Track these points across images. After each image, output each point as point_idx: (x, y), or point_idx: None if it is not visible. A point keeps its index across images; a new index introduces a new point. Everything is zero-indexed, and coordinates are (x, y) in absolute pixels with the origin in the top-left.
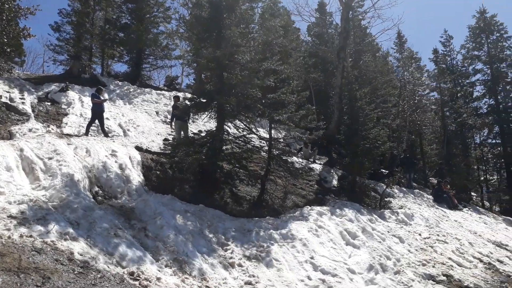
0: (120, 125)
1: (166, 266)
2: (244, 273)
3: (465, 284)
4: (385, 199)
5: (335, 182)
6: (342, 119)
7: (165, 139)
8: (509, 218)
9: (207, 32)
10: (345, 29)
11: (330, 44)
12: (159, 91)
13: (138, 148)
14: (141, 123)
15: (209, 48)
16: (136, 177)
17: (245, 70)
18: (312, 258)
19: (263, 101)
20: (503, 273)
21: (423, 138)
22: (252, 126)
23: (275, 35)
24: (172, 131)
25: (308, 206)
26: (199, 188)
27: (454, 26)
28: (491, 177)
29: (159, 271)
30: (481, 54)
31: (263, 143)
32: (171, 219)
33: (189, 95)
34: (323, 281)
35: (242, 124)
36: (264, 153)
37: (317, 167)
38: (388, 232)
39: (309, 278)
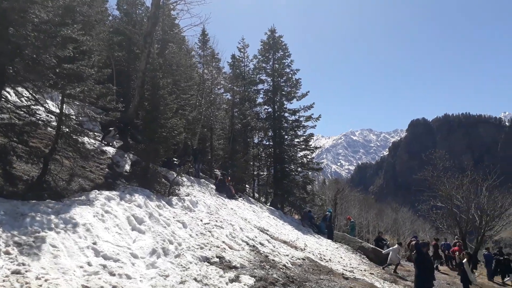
0: None
1: None
2: (12, 262)
3: (233, 264)
4: (174, 186)
5: (127, 167)
6: (143, 105)
7: None
8: (272, 208)
9: None
10: (155, 14)
11: (139, 26)
12: None
13: None
14: None
15: None
16: None
17: (39, 32)
18: (95, 243)
19: (57, 71)
20: (262, 254)
21: (213, 133)
22: (40, 96)
23: (79, 1)
24: None
25: (96, 190)
26: None
27: (252, 36)
28: (262, 173)
29: None
30: (267, 67)
31: (52, 118)
32: None
33: None
34: (104, 266)
35: (27, 93)
36: (52, 129)
37: (110, 150)
38: (174, 217)
39: (89, 264)
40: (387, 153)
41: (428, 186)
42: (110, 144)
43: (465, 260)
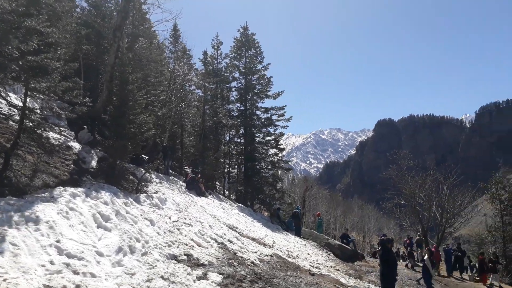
0: None
1: None
2: None
3: (201, 262)
4: (143, 183)
5: (94, 164)
6: (111, 100)
7: None
8: (241, 205)
9: None
10: (125, 8)
11: (108, 20)
12: None
13: None
14: None
15: None
16: None
17: (1, 22)
18: (58, 241)
19: (20, 63)
20: (231, 251)
21: (184, 130)
22: (1, 89)
23: None
24: None
25: (61, 187)
26: None
27: (226, 33)
28: (232, 170)
29: None
30: (240, 65)
31: (14, 112)
32: None
33: None
34: (68, 265)
35: None
36: (14, 123)
37: (76, 146)
38: (141, 215)
39: (51, 262)
40: (355, 152)
41: (392, 185)
42: (85, 142)
43: (426, 256)
